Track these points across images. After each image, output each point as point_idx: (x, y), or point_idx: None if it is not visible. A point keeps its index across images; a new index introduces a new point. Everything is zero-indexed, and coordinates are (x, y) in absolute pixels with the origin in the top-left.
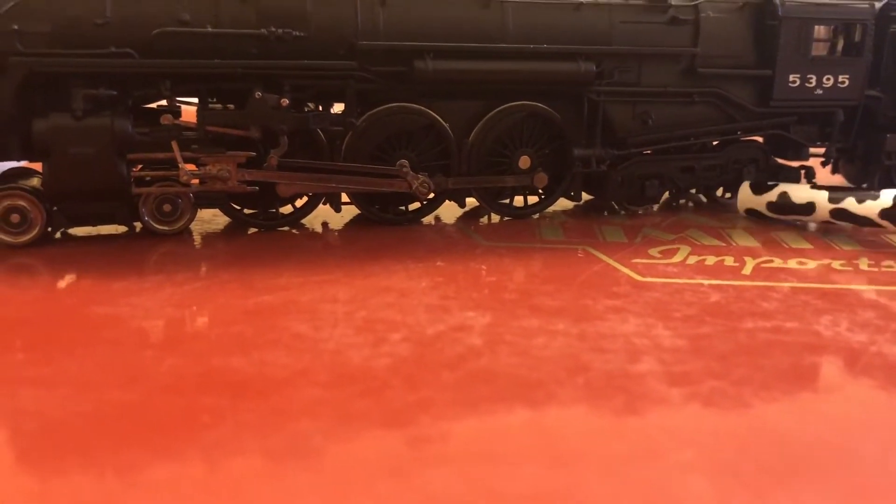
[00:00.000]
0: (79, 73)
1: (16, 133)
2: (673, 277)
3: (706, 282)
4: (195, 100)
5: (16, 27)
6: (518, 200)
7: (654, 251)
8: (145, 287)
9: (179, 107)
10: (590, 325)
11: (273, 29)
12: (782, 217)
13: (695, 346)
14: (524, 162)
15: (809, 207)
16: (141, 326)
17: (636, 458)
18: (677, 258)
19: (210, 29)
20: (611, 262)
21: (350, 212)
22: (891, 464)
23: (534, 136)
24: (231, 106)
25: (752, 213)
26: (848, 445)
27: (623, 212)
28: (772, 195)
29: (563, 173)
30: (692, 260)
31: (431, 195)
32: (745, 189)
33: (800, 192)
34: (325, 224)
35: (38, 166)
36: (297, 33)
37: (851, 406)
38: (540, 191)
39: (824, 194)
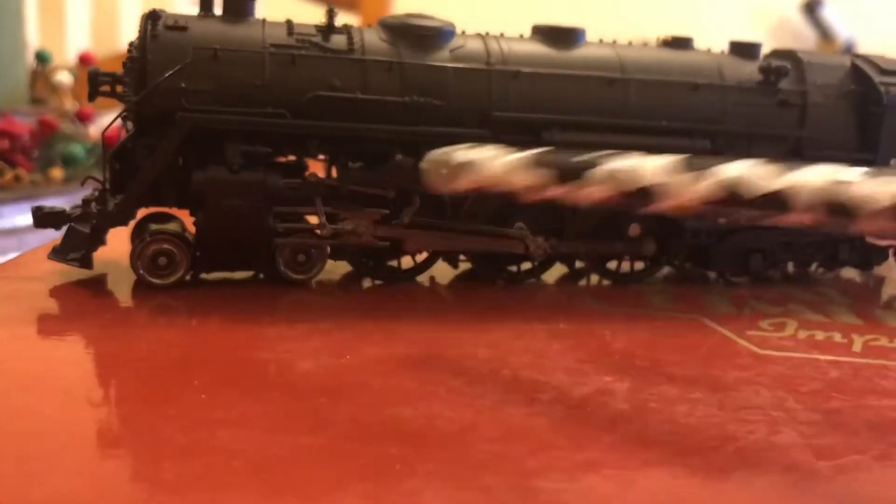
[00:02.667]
0: (237, 130)
1: (173, 182)
2: (789, 351)
3: (822, 357)
4: (322, 157)
5: (183, 85)
6: (624, 266)
7: (764, 324)
8: (296, 334)
9: (308, 162)
10: (725, 395)
11: (415, 97)
12: None
13: (829, 420)
14: (634, 230)
15: None
16: (307, 373)
17: None
18: (788, 332)
19: (359, 95)
20: (726, 332)
21: (443, 269)
22: None
23: None
24: (360, 165)
25: None
26: None
27: (723, 281)
28: None
29: (669, 242)
30: (802, 334)
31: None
32: None
33: None
34: (432, 279)
35: (178, 212)
36: (437, 102)
37: None
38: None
39: None
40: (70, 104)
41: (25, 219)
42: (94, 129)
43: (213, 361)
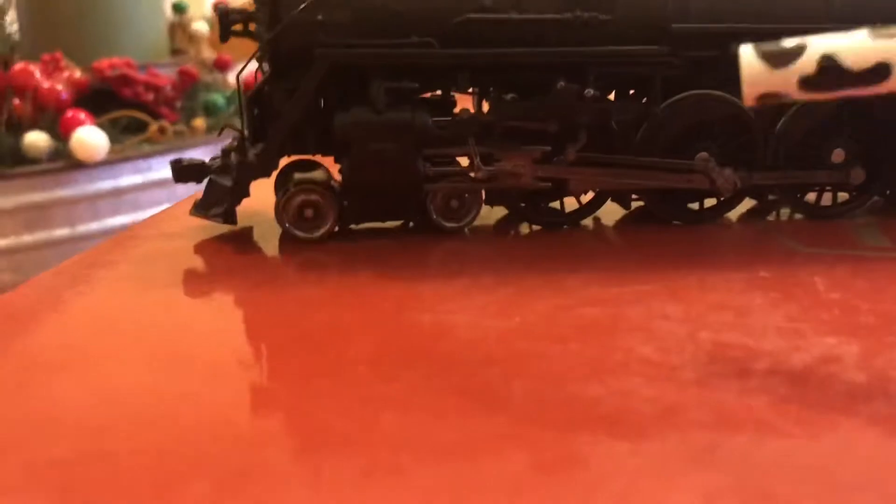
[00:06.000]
0: (380, 65)
1: (315, 126)
2: None
3: None
4: (471, 90)
5: (319, 17)
6: (826, 198)
7: None
8: (454, 292)
9: (454, 98)
10: None
11: (579, 13)
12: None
13: None
14: (838, 156)
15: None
16: (472, 338)
17: None
18: None
19: (513, 15)
20: None
21: (609, 210)
22: None
23: (851, 127)
24: (513, 96)
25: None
26: None
27: None
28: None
29: (881, 169)
30: None
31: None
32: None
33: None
34: (596, 220)
35: (322, 159)
36: (604, 17)
37: None
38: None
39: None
40: (208, 53)
41: None
42: (233, 77)
43: (367, 326)
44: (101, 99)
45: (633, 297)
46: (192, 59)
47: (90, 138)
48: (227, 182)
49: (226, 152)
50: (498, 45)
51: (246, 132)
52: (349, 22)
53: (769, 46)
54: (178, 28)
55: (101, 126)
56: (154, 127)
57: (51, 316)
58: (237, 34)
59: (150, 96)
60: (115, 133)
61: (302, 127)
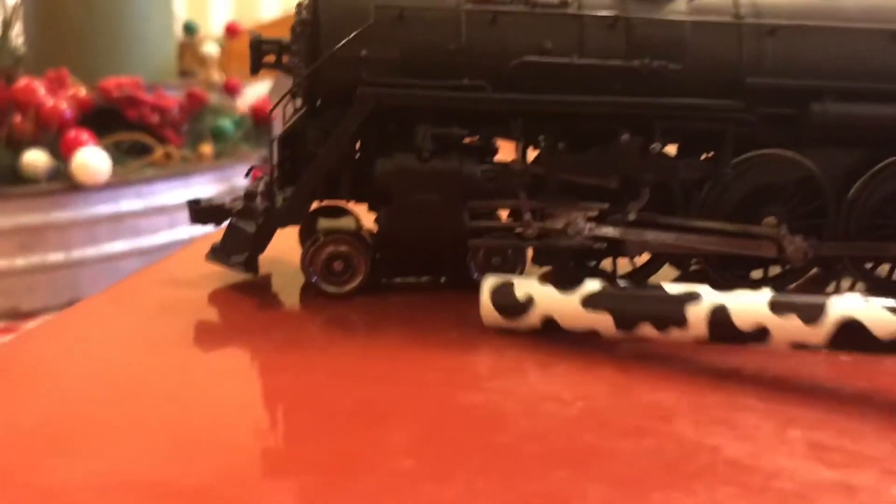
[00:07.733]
0: (428, 108)
1: (349, 170)
2: None
3: None
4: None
5: (364, 53)
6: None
7: None
8: (507, 366)
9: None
10: None
11: (647, 61)
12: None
13: None
14: None
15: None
16: (529, 428)
17: None
18: None
19: (575, 59)
20: None
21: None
22: None
23: None
24: (565, 147)
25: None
26: None
27: None
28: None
29: None
30: None
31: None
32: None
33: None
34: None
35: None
36: (674, 66)
37: None
38: None
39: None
40: (217, 76)
41: (176, 196)
42: (242, 102)
43: (410, 405)
44: (105, 119)
45: (706, 381)
46: (200, 82)
47: (92, 160)
48: (250, 228)
49: (249, 195)
50: (556, 91)
51: (274, 174)
52: (396, 60)
53: (504, 295)
54: (188, 49)
55: (104, 148)
56: (160, 151)
57: (43, 382)
58: (269, 66)
59: (156, 118)
60: (118, 155)
61: (336, 171)
